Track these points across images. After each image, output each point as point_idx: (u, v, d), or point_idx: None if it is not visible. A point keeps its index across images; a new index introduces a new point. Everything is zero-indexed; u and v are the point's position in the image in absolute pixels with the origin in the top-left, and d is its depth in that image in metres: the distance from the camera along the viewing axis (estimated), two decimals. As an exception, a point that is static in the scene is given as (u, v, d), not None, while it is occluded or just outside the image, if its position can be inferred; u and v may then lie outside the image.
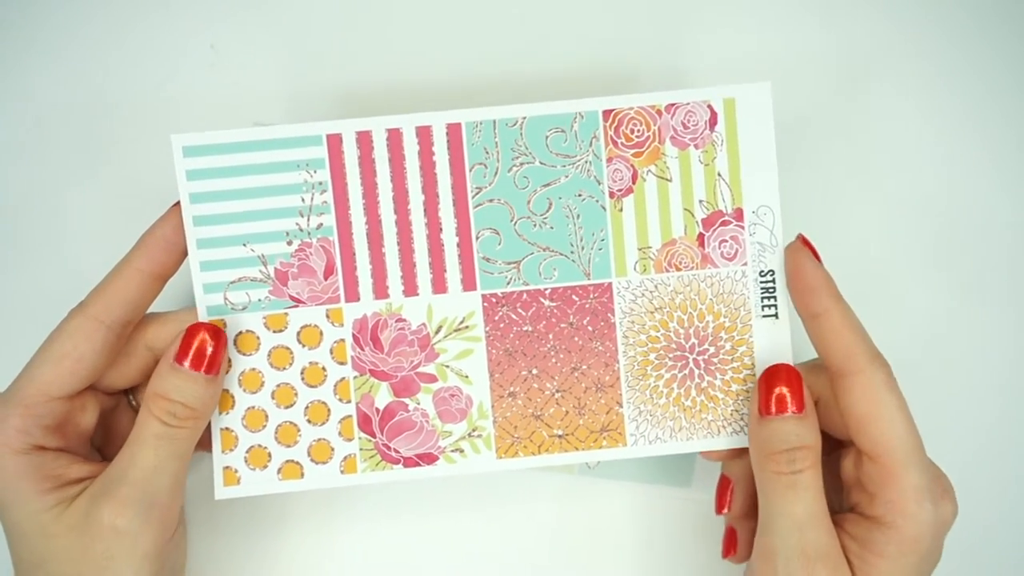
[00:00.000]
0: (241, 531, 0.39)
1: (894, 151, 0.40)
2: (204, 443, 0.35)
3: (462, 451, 0.34)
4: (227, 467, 0.34)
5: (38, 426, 0.31)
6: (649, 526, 0.40)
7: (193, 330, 0.32)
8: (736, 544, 0.36)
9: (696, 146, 0.34)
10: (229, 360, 0.34)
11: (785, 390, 0.32)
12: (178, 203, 0.33)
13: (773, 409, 0.32)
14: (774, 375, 0.32)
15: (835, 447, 0.35)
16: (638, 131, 0.34)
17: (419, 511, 0.40)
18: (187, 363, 0.31)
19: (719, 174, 0.34)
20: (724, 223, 0.34)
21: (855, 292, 0.36)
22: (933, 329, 0.40)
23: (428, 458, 0.34)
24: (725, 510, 0.36)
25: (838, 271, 0.37)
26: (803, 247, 0.33)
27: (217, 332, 0.32)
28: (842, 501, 0.34)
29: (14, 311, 0.39)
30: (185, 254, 0.33)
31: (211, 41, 0.39)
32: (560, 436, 0.35)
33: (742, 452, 0.36)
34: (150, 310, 0.34)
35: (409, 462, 0.34)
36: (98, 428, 0.35)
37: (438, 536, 0.40)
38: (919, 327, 0.40)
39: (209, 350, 0.32)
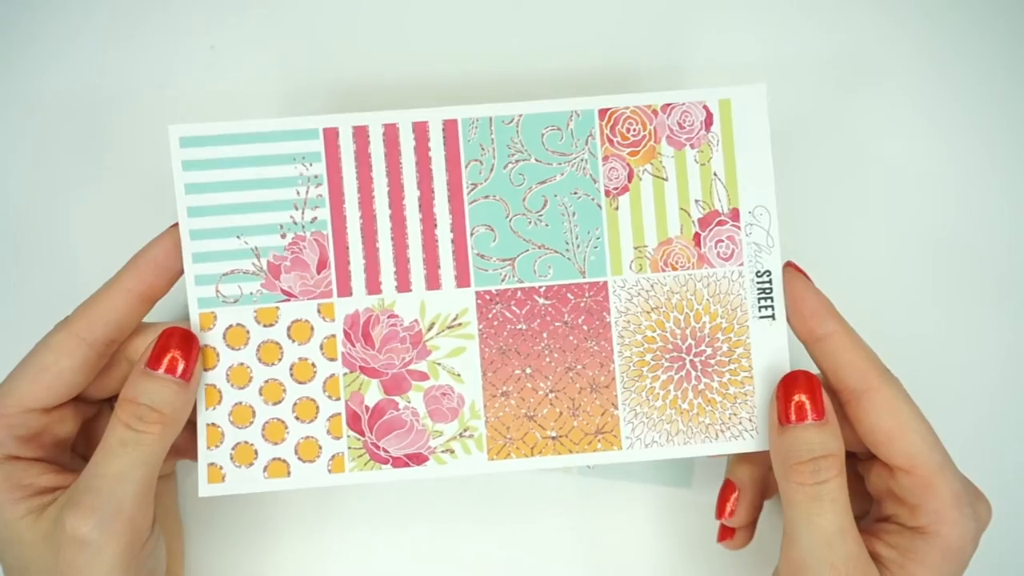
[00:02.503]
0: (232, 537, 0.38)
1: (890, 152, 0.40)
2: (190, 452, 0.35)
3: (453, 452, 0.33)
4: (212, 464, 0.33)
5: (11, 437, 0.31)
6: (648, 527, 0.39)
7: (166, 335, 0.31)
8: (734, 532, 0.35)
9: (692, 146, 0.34)
10: (203, 368, 0.33)
11: (804, 397, 0.31)
12: (174, 225, 0.33)
13: (793, 417, 0.31)
14: (792, 382, 0.32)
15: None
16: (634, 130, 0.34)
17: (415, 514, 0.39)
18: (159, 368, 0.31)
19: (715, 174, 0.34)
20: (720, 223, 0.34)
21: (851, 293, 0.36)
22: (928, 331, 0.40)
23: (418, 458, 0.33)
24: (726, 517, 0.35)
25: (834, 273, 0.37)
26: (797, 273, 0.34)
27: (189, 337, 0.32)
28: (867, 510, 0.34)
29: (13, 311, 0.39)
30: (177, 277, 0.33)
31: (211, 42, 0.39)
32: (554, 438, 0.34)
33: (748, 457, 0.36)
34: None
35: (398, 462, 0.33)
36: (80, 436, 0.34)
37: (433, 540, 0.39)
38: (915, 329, 0.40)
39: (180, 355, 0.31)
